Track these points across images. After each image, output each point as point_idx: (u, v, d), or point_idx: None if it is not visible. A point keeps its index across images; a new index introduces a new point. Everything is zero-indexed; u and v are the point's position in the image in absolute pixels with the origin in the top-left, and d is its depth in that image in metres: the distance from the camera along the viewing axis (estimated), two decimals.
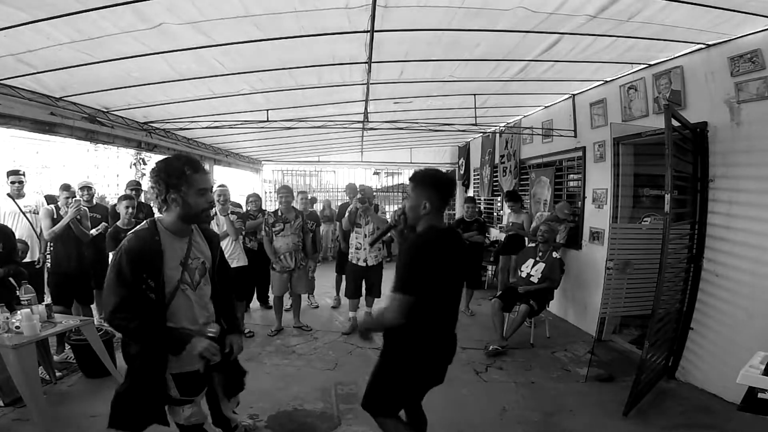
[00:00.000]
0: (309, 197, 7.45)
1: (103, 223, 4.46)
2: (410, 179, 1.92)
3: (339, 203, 7.92)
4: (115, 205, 5.09)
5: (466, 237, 5.44)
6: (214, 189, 4.99)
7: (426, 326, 1.81)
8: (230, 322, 2.01)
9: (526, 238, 5.65)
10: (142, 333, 1.67)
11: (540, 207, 5.88)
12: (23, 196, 4.25)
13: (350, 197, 5.78)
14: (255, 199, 5.19)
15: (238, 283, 4.68)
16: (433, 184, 1.86)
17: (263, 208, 5.43)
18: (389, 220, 2.01)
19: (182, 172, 1.67)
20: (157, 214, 1.85)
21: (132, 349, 1.75)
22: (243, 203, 5.40)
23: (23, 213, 4.19)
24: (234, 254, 4.49)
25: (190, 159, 1.75)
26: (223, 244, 4.40)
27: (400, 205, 1.99)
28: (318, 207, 9.05)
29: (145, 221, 1.79)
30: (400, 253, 1.87)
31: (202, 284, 1.84)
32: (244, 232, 4.74)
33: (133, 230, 1.74)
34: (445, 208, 1.92)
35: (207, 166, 7.80)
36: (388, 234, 2.15)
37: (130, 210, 4.05)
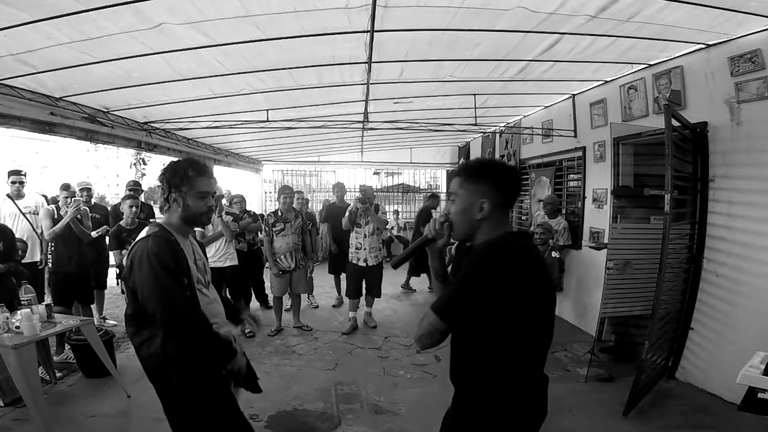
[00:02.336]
0: (306, 197, 7.47)
1: (105, 226, 4.47)
2: (457, 174, 1.38)
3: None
4: (116, 205, 5.11)
5: None
6: None
7: (510, 383, 1.26)
8: (231, 309, 2.02)
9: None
10: (208, 333, 1.62)
11: (540, 207, 5.88)
12: (23, 196, 4.25)
13: (338, 196, 5.82)
14: (240, 200, 5.19)
15: (233, 281, 4.73)
16: (492, 177, 1.32)
17: (247, 208, 5.45)
18: (425, 232, 1.42)
19: (185, 173, 1.69)
20: (158, 216, 1.87)
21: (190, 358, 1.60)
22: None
23: (23, 214, 4.19)
24: (228, 253, 4.56)
25: (195, 162, 1.76)
26: (216, 244, 4.45)
27: (441, 212, 1.45)
28: (317, 207, 9.06)
29: (149, 226, 1.76)
30: (463, 266, 1.30)
31: (211, 282, 1.87)
32: (237, 233, 4.78)
33: (145, 237, 1.67)
34: (510, 212, 1.48)
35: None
36: (419, 252, 1.50)
37: (134, 210, 4.06)
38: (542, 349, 1.34)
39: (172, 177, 1.70)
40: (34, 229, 4.23)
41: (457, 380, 1.37)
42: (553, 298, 1.41)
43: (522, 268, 1.24)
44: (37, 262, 4.20)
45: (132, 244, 1.70)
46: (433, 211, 6.62)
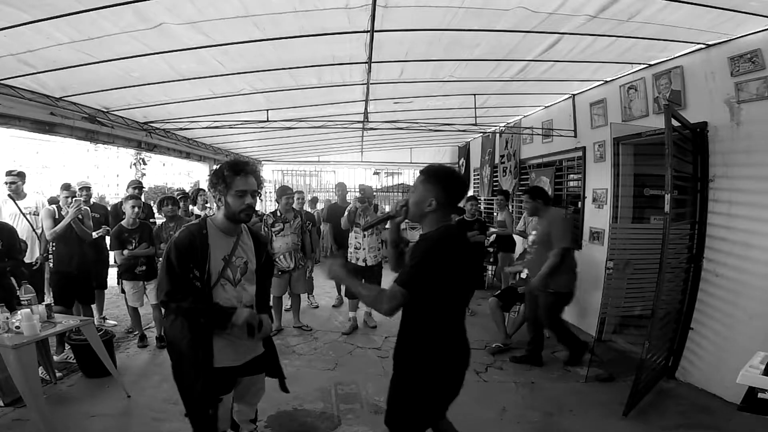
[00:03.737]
0: (308, 197, 7.46)
1: (104, 226, 4.47)
2: (421, 172, 1.82)
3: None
4: (116, 204, 5.11)
5: (468, 237, 5.46)
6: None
7: (442, 334, 1.73)
8: (260, 304, 2.10)
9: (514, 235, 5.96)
10: (194, 310, 1.81)
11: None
12: (24, 197, 4.25)
13: (340, 196, 5.82)
14: None
15: None
16: (443, 182, 1.74)
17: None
18: (390, 210, 1.89)
19: (222, 175, 1.85)
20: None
21: (184, 337, 1.83)
22: None
23: (23, 214, 4.19)
24: None
25: (234, 163, 1.89)
26: None
27: (404, 197, 1.91)
28: (320, 206, 9.05)
29: (197, 218, 2.01)
30: (412, 248, 1.78)
31: (244, 283, 1.96)
32: None
33: (185, 224, 1.95)
34: (453, 209, 1.80)
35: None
36: (384, 223, 2.08)
37: (135, 210, 4.06)
38: (460, 305, 1.82)
39: (214, 179, 1.88)
40: (33, 230, 4.22)
41: (402, 346, 1.79)
42: (473, 272, 1.89)
43: (454, 253, 1.69)
44: (32, 263, 4.19)
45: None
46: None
